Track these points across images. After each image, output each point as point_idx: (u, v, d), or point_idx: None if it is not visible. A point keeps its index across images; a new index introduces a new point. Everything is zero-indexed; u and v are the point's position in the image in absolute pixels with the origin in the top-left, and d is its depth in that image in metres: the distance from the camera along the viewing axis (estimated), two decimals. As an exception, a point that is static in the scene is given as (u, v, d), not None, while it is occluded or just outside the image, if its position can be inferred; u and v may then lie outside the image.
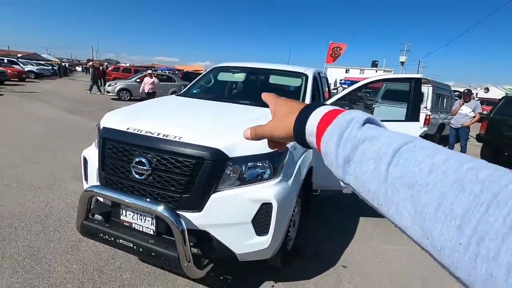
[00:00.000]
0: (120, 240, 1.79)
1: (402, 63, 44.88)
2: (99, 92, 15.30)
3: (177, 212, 1.75)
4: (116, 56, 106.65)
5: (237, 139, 1.87)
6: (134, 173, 1.84)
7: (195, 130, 1.92)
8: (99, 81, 15.86)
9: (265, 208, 1.78)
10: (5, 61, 22.72)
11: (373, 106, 8.71)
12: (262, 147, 1.85)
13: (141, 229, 1.81)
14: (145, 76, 10.80)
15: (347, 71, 48.61)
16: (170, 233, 1.73)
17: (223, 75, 3.66)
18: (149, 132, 1.88)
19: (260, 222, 1.80)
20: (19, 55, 34.78)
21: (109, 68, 21.54)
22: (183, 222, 1.63)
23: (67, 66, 35.08)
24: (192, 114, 2.45)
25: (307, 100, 2.90)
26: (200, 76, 3.64)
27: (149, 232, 1.79)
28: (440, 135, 9.02)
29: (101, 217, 1.96)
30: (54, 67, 31.54)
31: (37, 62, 31.77)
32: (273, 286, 2.22)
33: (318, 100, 3.34)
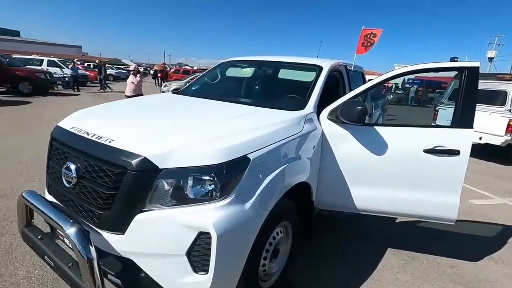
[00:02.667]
0: (45, 257, 1.54)
1: (491, 59, 38.06)
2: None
3: (100, 231, 1.43)
4: (185, 60, 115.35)
5: (179, 144, 1.46)
6: (64, 179, 1.58)
7: (134, 132, 1.58)
8: (162, 81, 17.39)
9: (204, 239, 1.34)
10: (91, 66, 26.38)
11: (437, 109, 7.35)
12: (207, 156, 1.43)
13: (67, 247, 1.54)
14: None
15: (418, 69, 43.31)
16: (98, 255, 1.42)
17: (232, 70, 3.28)
18: (86, 133, 1.61)
19: (198, 256, 1.36)
20: (101, 60, 40.09)
21: (171, 70, 23.24)
22: (92, 249, 1.28)
23: (141, 70, 39.31)
24: (158, 114, 2.11)
25: (313, 99, 2.31)
26: (205, 72, 3.32)
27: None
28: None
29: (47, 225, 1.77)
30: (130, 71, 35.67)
31: (117, 66, 36.31)
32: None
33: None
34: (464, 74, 2.12)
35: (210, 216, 1.34)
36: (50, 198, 1.75)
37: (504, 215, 3.70)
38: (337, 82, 3.08)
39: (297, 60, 2.90)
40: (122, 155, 1.39)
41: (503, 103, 6.10)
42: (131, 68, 7.67)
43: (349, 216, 2.89)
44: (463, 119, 2.09)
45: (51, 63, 16.98)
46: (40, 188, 1.86)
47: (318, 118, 2.27)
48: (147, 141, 1.48)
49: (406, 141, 2.19)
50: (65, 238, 1.53)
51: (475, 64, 2.10)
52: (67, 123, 1.81)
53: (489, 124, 6.17)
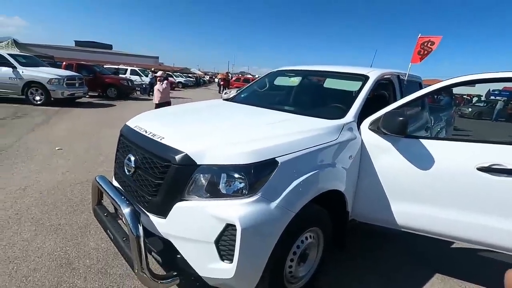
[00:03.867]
0: (108, 231, 1.89)
1: None
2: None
3: (148, 214, 1.70)
4: (247, 69, 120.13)
5: (215, 144, 1.66)
6: (125, 168, 1.91)
7: (181, 132, 1.83)
8: (224, 89, 18.51)
9: (230, 230, 1.49)
10: (165, 75, 29.62)
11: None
12: (238, 156, 1.59)
13: (123, 225, 1.86)
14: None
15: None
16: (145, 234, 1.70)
17: (280, 79, 3.42)
18: (145, 131, 1.92)
19: (225, 245, 1.51)
20: (175, 70, 44.41)
21: (233, 79, 24.61)
22: (140, 228, 1.54)
23: (205, 78, 42.69)
24: (205, 118, 2.36)
25: (354, 109, 2.30)
26: (254, 81, 3.53)
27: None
28: None
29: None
30: (199, 79, 39.05)
31: (186, 74, 39.96)
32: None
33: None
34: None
35: (237, 210, 1.48)
36: (115, 183, 2.12)
37: None
38: (387, 92, 2.98)
39: (344, 70, 2.90)
40: (169, 150, 1.65)
41: None
42: (158, 74, 6.75)
43: (401, 234, 2.74)
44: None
45: (133, 72, 19.69)
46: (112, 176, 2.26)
47: (359, 128, 2.25)
48: (190, 140, 1.71)
49: (454, 156, 2.03)
50: (122, 217, 1.86)
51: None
52: (132, 122, 2.18)
53: None
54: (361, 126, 2.26)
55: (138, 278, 1.57)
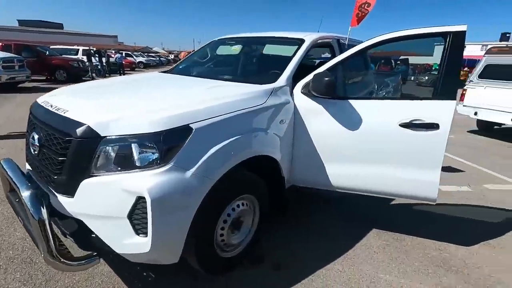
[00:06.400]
0: (19, 217, 1.73)
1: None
2: None
3: (56, 194, 1.56)
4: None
5: (124, 114, 1.53)
6: (31, 148, 1.73)
7: (90, 105, 1.67)
8: None
9: (141, 203, 1.40)
10: (123, 54, 27.68)
11: (465, 88, 6.75)
12: (146, 125, 1.47)
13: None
14: None
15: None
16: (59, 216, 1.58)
17: (222, 48, 3.26)
18: (50, 105, 1.73)
19: (138, 219, 1.43)
20: (136, 49, 41.75)
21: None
22: (43, 211, 1.40)
23: (170, 57, 40.71)
24: (126, 90, 2.19)
25: (286, 73, 2.24)
26: (195, 51, 3.35)
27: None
28: None
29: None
30: (161, 58, 37.07)
31: (148, 54, 37.84)
32: (195, 296, 1.83)
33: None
34: (448, 40, 1.92)
35: (147, 181, 1.39)
36: (28, 166, 1.93)
37: (520, 201, 3.37)
38: (327, 56, 2.95)
39: (281, 35, 2.80)
40: (70, 124, 1.49)
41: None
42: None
43: (339, 196, 2.82)
44: (444, 90, 1.92)
45: (85, 53, 18.16)
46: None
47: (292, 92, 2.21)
48: (96, 112, 1.56)
49: (381, 115, 2.07)
50: (22, 200, 1.70)
51: (462, 28, 1.89)
52: (42, 98, 1.96)
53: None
54: (294, 90, 2.21)
55: (47, 263, 1.46)
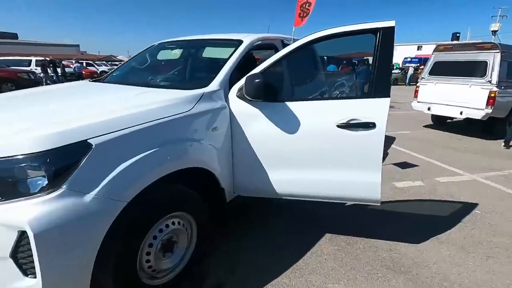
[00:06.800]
0: None
1: (495, 32, 36.56)
2: None
3: None
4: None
5: (4, 131, 1.29)
6: None
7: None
8: None
9: (25, 239, 1.17)
10: (84, 64, 26.36)
11: (418, 85, 7.02)
12: (29, 144, 1.23)
13: None
14: None
15: (419, 47, 42.24)
16: None
17: (163, 53, 3.05)
18: None
19: (24, 257, 1.20)
20: (99, 58, 39.95)
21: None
22: None
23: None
24: (34, 103, 1.92)
25: (220, 77, 2.09)
26: (132, 57, 3.11)
27: None
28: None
29: None
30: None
31: (112, 62, 36.36)
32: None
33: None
34: (378, 36, 1.87)
35: (29, 212, 1.16)
36: None
37: (468, 192, 3.46)
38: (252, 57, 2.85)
39: (220, 37, 2.66)
40: None
41: (483, 74, 5.72)
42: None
43: (288, 202, 2.70)
44: (377, 88, 1.86)
45: (39, 63, 16.97)
46: None
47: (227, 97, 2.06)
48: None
49: (318, 116, 1.98)
50: None
51: (390, 23, 1.85)
52: None
53: (469, 97, 5.83)
54: (229, 95, 2.07)
55: None
